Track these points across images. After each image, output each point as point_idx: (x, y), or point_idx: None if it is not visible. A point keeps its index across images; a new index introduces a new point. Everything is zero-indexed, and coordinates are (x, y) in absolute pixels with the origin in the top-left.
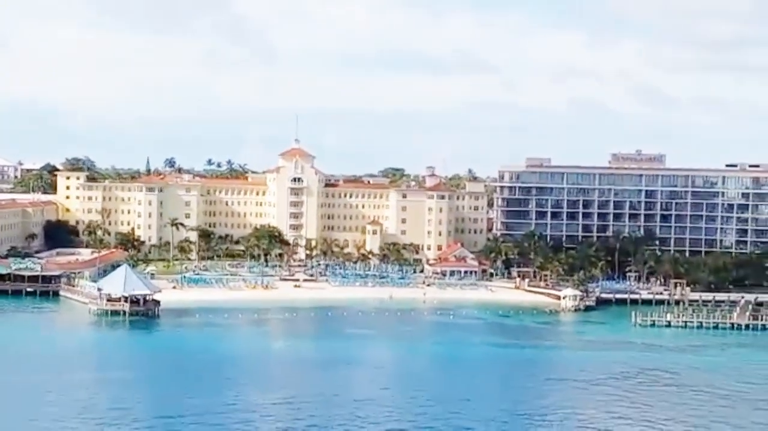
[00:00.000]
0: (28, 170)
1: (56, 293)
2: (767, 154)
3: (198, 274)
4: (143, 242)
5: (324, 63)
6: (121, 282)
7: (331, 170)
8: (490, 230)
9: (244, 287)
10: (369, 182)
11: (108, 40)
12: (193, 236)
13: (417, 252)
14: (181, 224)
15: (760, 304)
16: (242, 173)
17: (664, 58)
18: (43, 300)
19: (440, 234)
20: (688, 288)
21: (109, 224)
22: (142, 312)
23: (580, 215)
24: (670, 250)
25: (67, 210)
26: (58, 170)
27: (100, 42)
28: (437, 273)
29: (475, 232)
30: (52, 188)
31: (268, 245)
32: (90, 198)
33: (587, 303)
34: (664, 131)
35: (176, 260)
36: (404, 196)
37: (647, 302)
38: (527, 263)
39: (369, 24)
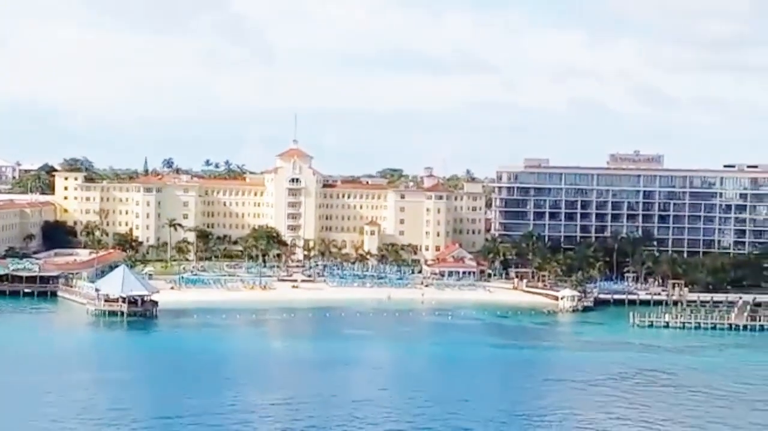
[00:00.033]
0: (26, 171)
1: (54, 294)
2: (766, 154)
3: (196, 275)
4: (141, 243)
5: (323, 63)
6: (119, 283)
7: (330, 171)
8: (488, 230)
9: (242, 287)
10: (367, 182)
11: (106, 40)
12: (191, 236)
13: (415, 253)
14: (179, 225)
15: (758, 305)
16: (240, 174)
17: (664, 58)
18: (40, 301)
19: (438, 235)
20: (686, 289)
21: (107, 224)
22: (140, 313)
23: (578, 216)
24: (668, 250)
25: (65, 211)
26: (56, 170)
27: (98, 42)
28: (435, 274)
29: (474, 232)
30: (50, 188)
31: (266, 246)
32: (88, 199)
33: (585, 304)
34: (664, 131)
35: (174, 260)
36: (402, 196)
37: (645, 303)
38: (525, 263)
39: (368, 24)
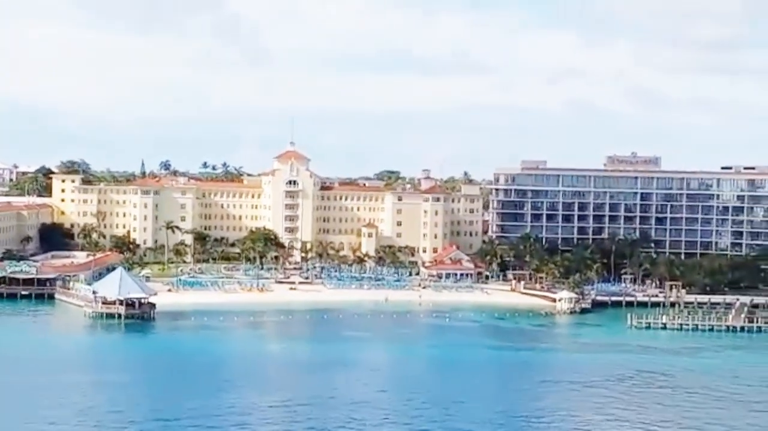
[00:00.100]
0: (23, 173)
1: (51, 297)
2: (762, 156)
3: (193, 277)
4: (138, 245)
5: (320, 64)
6: (117, 285)
7: (327, 173)
8: (485, 232)
9: (240, 289)
10: (364, 184)
11: (103, 41)
12: (189, 239)
13: (412, 255)
14: (177, 227)
15: (756, 306)
16: (237, 176)
17: (660, 60)
18: (38, 303)
19: (436, 237)
20: (683, 290)
21: (105, 227)
22: (138, 315)
23: (576, 218)
24: (665, 252)
25: (62, 213)
26: (53, 172)
27: (94, 44)
28: (433, 276)
29: (471, 234)
30: (47, 190)
31: (263, 248)
32: (85, 201)
33: (583, 306)
34: (659, 132)
35: (171, 263)
36: (400, 198)
37: (643, 305)
38: (523, 265)
39: (365, 25)
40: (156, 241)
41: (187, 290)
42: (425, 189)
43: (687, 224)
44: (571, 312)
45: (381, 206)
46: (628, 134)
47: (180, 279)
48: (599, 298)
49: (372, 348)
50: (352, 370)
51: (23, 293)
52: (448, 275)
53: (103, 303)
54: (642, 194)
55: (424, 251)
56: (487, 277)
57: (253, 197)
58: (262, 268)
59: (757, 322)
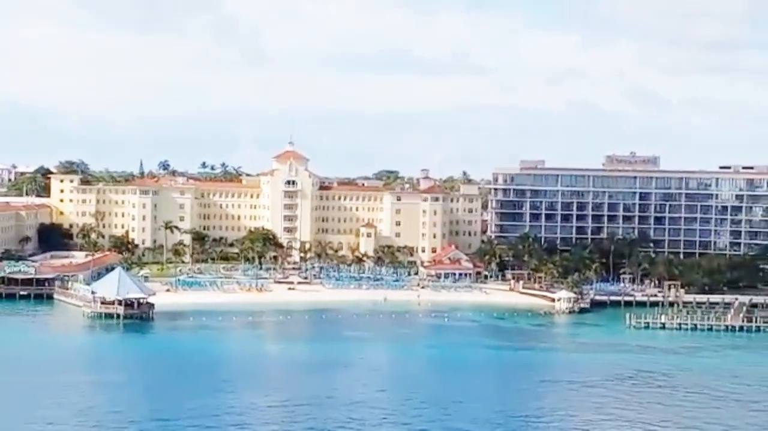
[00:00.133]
0: (21, 173)
1: (50, 297)
2: (761, 155)
3: (192, 277)
4: (137, 245)
5: (317, 64)
6: (115, 285)
7: (325, 173)
8: (484, 232)
9: (238, 289)
10: (363, 184)
11: (101, 42)
12: (187, 239)
13: (411, 254)
14: (175, 227)
15: (754, 306)
16: (236, 176)
17: (659, 60)
18: (37, 303)
19: (434, 236)
20: (682, 290)
21: (103, 227)
22: (137, 315)
23: (574, 218)
24: (664, 252)
25: (61, 213)
26: (51, 173)
27: (92, 44)
28: (431, 275)
29: (470, 234)
30: (45, 191)
31: (262, 248)
32: (84, 201)
33: (581, 305)
34: (659, 132)
35: (170, 263)
36: (398, 198)
37: (641, 304)
38: (521, 265)
39: (363, 25)
40: (155, 241)
41: (186, 290)
42: (424, 189)
43: (686, 224)
44: (569, 312)
45: (380, 206)
46: (628, 135)
47: (179, 279)
48: (598, 298)
49: (371, 347)
50: (351, 370)
51: (22, 293)
52: (446, 275)
53: (102, 303)
54: (641, 193)
55: (423, 250)
56: (485, 277)
57: (251, 197)
58: (260, 268)
59: (756, 322)
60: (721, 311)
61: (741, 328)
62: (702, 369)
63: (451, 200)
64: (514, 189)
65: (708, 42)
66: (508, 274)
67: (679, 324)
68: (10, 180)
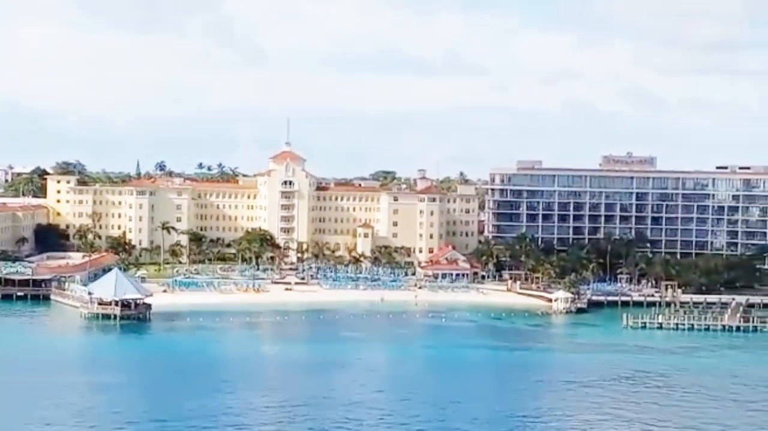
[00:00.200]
0: (18, 174)
1: (47, 298)
2: (758, 156)
3: (189, 278)
4: (134, 246)
5: (315, 65)
6: (112, 286)
7: (322, 173)
8: (481, 232)
9: (236, 290)
10: (360, 185)
11: (98, 42)
12: (184, 239)
13: (408, 255)
14: (172, 228)
15: (751, 306)
16: (233, 177)
17: (655, 61)
18: (34, 304)
19: (431, 237)
20: (679, 290)
21: (100, 227)
22: (134, 316)
23: (571, 218)
24: (661, 252)
25: (58, 214)
26: (48, 173)
27: (90, 44)
28: (429, 276)
29: (467, 234)
30: (42, 191)
31: (259, 249)
32: (80, 202)
33: (578, 305)
34: (655, 132)
35: (167, 263)
36: (395, 199)
37: (638, 305)
38: (518, 265)
39: (360, 26)
40: (152, 242)
41: (183, 291)
42: (421, 189)
43: (683, 224)
44: (567, 312)
45: (377, 207)
46: (624, 135)
47: (176, 280)
48: (595, 298)
49: (368, 348)
50: (348, 370)
51: (19, 294)
52: (444, 276)
53: (99, 304)
54: (637, 194)
55: (420, 251)
56: (483, 277)
57: (248, 197)
58: (258, 269)
59: (753, 322)
60: (718, 312)
61: (738, 328)
62: (699, 369)
63: (448, 201)
64: (511, 189)
65: (703, 42)
66: (505, 274)
67: (676, 324)
68: (6, 181)
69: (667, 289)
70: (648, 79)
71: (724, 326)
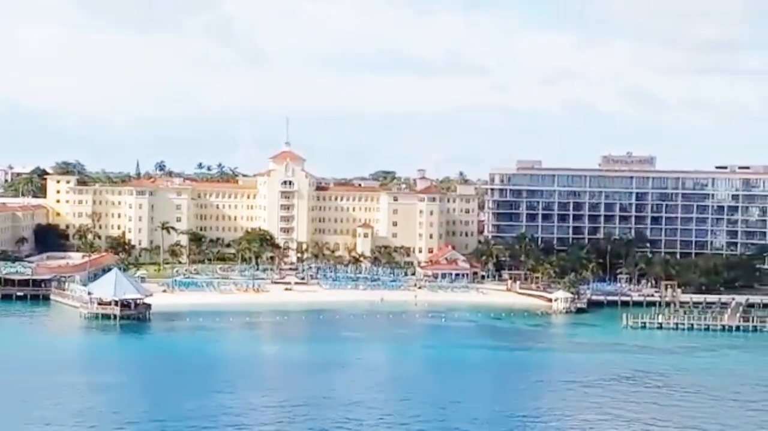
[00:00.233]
0: (18, 174)
1: (47, 298)
2: (757, 155)
3: (189, 278)
4: (134, 246)
5: (315, 65)
6: (112, 286)
7: (322, 173)
8: (481, 232)
9: (235, 290)
10: (360, 184)
11: (98, 42)
12: (184, 239)
13: (408, 255)
14: (172, 228)
15: (751, 306)
16: (233, 177)
17: (655, 61)
18: (33, 304)
19: (431, 237)
20: (679, 290)
21: (100, 227)
22: (134, 316)
23: (571, 218)
24: (660, 252)
25: (58, 214)
26: (48, 173)
27: (89, 44)
28: (428, 276)
29: (466, 234)
30: (42, 191)
31: (259, 249)
32: (80, 202)
33: (578, 305)
34: (655, 132)
35: (167, 263)
36: (395, 199)
37: (638, 304)
38: (518, 265)
39: (360, 26)
40: (151, 242)
41: (183, 291)
42: (421, 189)
43: (682, 224)
44: (566, 312)
45: (376, 207)
46: (623, 135)
47: (175, 280)
48: (595, 298)
49: (368, 348)
50: (348, 370)
51: (18, 294)
52: (443, 276)
53: (99, 304)
54: (637, 193)
55: (420, 251)
56: (482, 277)
57: (248, 197)
58: (257, 269)
59: (753, 321)
60: (717, 311)
61: (738, 328)
62: (699, 368)
63: (448, 201)
64: (510, 189)
65: (703, 42)
66: (505, 274)
67: (676, 324)
68: (6, 181)
69: (666, 289)
70: (648, 79)
71: (723, 326)
